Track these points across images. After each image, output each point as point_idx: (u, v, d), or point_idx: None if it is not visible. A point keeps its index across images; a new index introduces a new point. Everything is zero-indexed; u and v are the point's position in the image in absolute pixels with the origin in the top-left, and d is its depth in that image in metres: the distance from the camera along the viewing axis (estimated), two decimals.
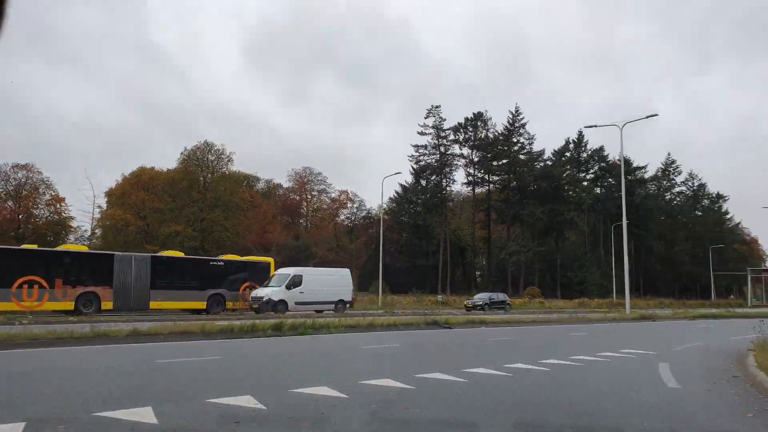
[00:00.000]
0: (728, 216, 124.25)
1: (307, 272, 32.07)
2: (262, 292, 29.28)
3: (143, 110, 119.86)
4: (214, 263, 31.72)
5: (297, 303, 29.48)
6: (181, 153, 78.36)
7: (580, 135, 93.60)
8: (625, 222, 36.07)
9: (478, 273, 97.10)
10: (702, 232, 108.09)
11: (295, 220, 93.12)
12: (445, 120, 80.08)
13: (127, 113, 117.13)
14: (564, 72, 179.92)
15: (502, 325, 23.40)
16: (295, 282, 30.03)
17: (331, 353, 12.53)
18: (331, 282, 32.06)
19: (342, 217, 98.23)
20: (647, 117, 33.44)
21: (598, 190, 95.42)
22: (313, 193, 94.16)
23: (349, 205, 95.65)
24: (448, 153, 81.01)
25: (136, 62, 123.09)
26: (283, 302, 29.03)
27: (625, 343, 16.60)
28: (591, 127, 35.78)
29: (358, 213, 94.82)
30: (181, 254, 31.90)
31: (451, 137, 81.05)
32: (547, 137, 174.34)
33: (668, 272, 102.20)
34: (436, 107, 79.40)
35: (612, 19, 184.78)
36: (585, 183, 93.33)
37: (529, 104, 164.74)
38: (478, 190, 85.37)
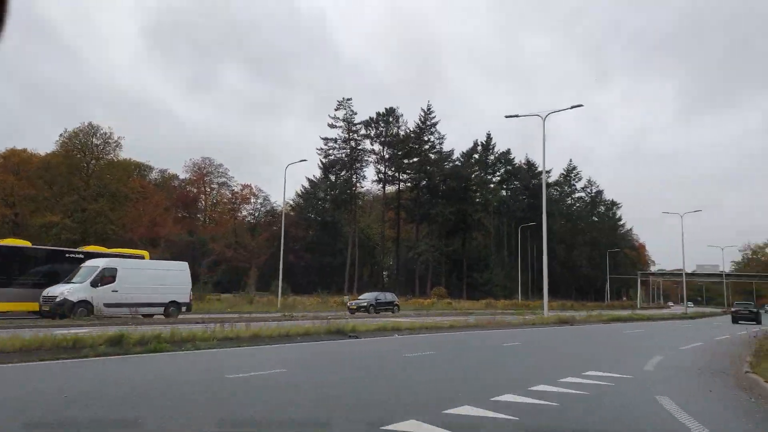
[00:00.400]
0: (621, 222, 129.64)
1: (126, 265, 24.46)
2: (56, 289, 22.31)
3: (23, 89, 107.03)
4: (71, 256, 25.58)
5: (108, 305, 22.65)
6: (61, 135, 69.00)
7: (489, 138, 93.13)
8: (545, 223, 33.68)
9: (385, 273, 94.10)
10: (598, 237, 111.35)
11: (191, 214, 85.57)
12: (356, 114, 76.32)
13: (2, 91, 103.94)
14: (473, 77, 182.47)
15: (418, 332, 19.50)
16: (105, 277, 23.07)
17: (171, 390, 7.87)
18: (159, 278, 24.89)
19: (244, 212, 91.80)
20: (572, 107, 31.18)
21: (504, 193, 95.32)
22: (213, 185, 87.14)
23: (252, 200, 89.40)
24: (358, 148, 77.15)
25: (15, 36, 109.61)
26: (85, 303, 22.21)
27: (577, 358, 13.15)
28: (513, 116, 33.12)
29: (262, 208, 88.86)
30: (26, 243, 25.49)
31: (362, 132, 77.32)
32: (455, 140, 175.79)
33: (568, 275, 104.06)
34: (348, 100, 75.43)
35: (521, 30, 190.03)
36: (492, 185, 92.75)
37: (439, 106, 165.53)
38: (388, 188, 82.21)
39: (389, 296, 40.33)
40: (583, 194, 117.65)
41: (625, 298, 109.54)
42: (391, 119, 77.22)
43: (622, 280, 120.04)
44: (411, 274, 78.99)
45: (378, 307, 36.35)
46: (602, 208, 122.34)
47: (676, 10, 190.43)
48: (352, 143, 76.44)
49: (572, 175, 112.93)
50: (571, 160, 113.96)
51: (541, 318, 30.56)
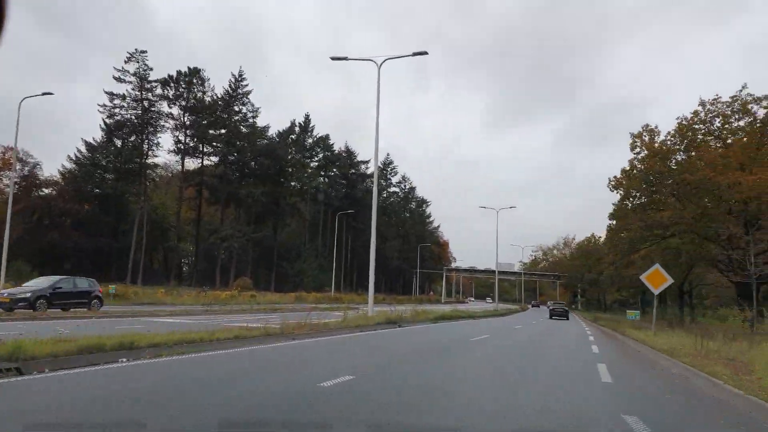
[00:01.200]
0: (430, 219, 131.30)
1: None
2: None
3: None
4: None
5: None
6: None
7: (307, 119, 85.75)
8: (376, 200, 26.89)
9: (184, 260, 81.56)
10: (409, 232, 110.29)
11: None
12: (151, 69, 62.66)
13: None
14: (297, 65, 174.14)
15: (173, 351, 10.69)
16: None
17: None
18: None
19: (5, 180, 72.43)
20: (414, 54, 24.55)
21: (322, 179, 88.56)
22: None
23: (18, 167, 70.51)
24: (152, 109, 63.51)
25: None
26: None
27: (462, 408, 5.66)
28: (341, 59, 25.59)
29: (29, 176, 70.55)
30: None
31: (159, 92, 63.91)
32: (272, 126, 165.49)
33: (379, 267, 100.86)
34: (142, 52, 61.45)
35: (348, 24, 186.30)
36: (309, 170, 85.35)
37: (259, 90, 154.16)
38: (189, 161, 70.01)
39: (82, 283, 23.81)
40: (397, 189, 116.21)
41: (432, 293, 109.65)
42: (195, 81, 65.18)
43: (427, 274, 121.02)
44: (213, 262, 68.18)
45: (56, 301, 21.67)
46: (413, 204, 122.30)
47: (493, 28, 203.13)
48: (145, 103, 62.72)
49: (389, 169, 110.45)
50: (388, 155, 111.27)
51: (365, 317, 23.48)
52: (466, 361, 12.19)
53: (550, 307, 55.90)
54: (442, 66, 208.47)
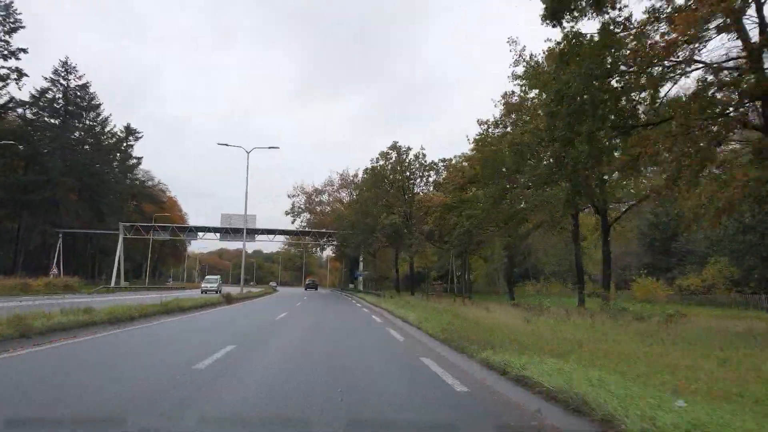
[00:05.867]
0: (135, 161, 78.04)
1: None
2: None
3: None
4: None
5: None
6: None
7: None
8: None
9: None
10: (82, 169, 55.95)
11: None
12: None
13: None
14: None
15: None
16: None
17: None
18: None
19: None
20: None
21: None
22: None
23: None
24: None
25: None
26: None
27: None
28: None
29: None
30: None
31: None
32: None
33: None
34: None
35: None
36: None
37: None
38: None
39: None
40: (60, 96, 60.35)
41: (54, 274, 52.60)
42: None
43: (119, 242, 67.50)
44: None
45: None
46: (98, 126, 67.43)
47: None
48: None
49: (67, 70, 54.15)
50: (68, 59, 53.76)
51: None
52: None
53: (306, 283, 75.58)
54: (251, 23, 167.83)
